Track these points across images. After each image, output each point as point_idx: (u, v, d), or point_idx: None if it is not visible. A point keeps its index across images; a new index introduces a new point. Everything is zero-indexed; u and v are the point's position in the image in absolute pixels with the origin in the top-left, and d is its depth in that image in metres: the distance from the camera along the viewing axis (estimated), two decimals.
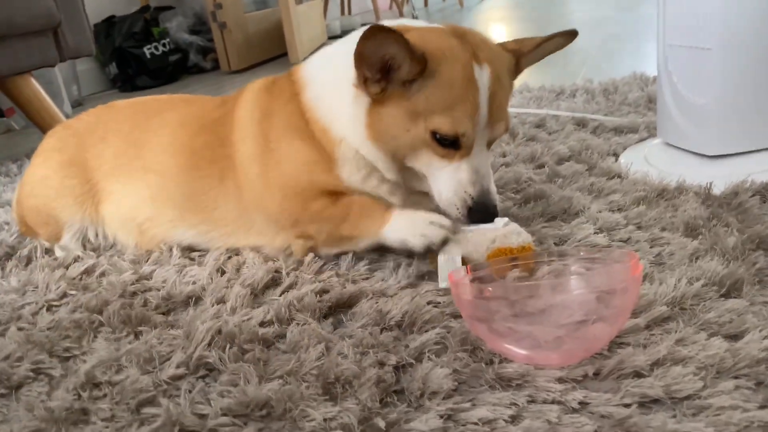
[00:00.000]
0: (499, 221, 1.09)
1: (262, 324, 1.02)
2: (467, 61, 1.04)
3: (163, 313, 1.11)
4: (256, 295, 1.13)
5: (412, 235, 1.08)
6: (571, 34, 1.14)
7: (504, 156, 1.67)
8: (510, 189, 1.44)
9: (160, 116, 1.36)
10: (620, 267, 0.84)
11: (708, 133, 1.34)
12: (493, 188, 1.11)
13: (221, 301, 1.11)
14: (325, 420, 0.78)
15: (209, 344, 0.96)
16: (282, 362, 0.90)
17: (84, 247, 1.44)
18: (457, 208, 1.09)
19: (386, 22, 1.11)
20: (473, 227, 1.08)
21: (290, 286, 1.14)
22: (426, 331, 0.94)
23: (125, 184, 1.36)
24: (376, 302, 1.03)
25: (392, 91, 1.06)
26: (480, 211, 1.07)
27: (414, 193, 1.20)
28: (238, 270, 1.23)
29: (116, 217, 1.39)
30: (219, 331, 0.99)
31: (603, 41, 3.26)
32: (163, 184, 1.31)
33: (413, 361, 0.87)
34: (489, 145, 1.11)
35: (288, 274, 1.18)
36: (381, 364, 0.87)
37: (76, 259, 1.37)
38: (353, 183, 1.18)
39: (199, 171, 1.28)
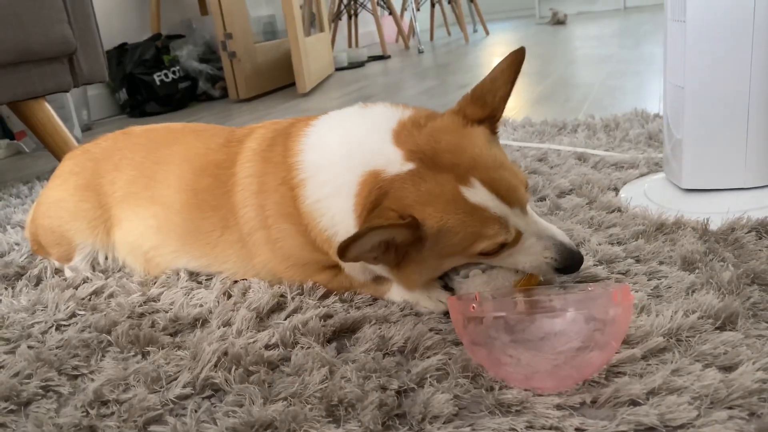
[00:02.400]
0: None
1: (267, 347, 1.04)
2: (456, 195, 0.96)
3: (171, 335, 1.13)
4: (262, 318, 1.16)
5: (414, 302, 1.13)
6: (519, 54, 1.06)
7: None
8: None
9: (170, 149, 1.40)
10: (612, 295, 0.87)
11: (681, 166, 1.39)
12: (566, 239, 1.03)
13: (227, 323, 1.14)
14: None
15: (215, 365, 0.99)
16: (286, 384, 0.92)
17: (93, 269, 1.47)
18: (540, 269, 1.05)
19: (359, 146, 1.07)
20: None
21: (295, 311, 1.17)
22: (428, 357, 0.96)
23: (135, 212, 1.40)
24: (379, 328, 1.06)
25: (407, 255, 1.01)
26: (568, 268, 1.03)
27: None
28: (244, 294, 1.26)
29: (125, 243, 1.42)
30: (225, 353, 1.01)
31: (606, 78, 3.32)
32: (168, 217, 1.34)
33: (415, 386, 0.90)
34: (524, 209, 1.02)
35: (293, 298, 1.20)
36: (383, 388, 0.89)
37: (86, 280, 1.40)
38: (352, 274, 1.19)
39: (201, 212, 1.30)
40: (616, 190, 1.61)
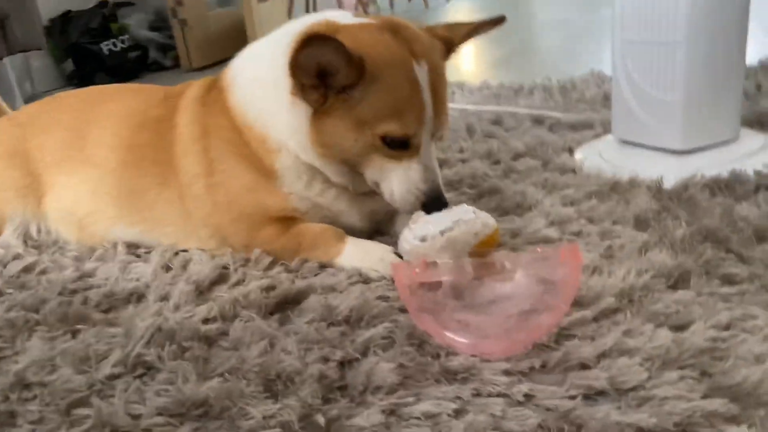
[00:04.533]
0: (462, 209, 1.07)
1: (205, 321, 0.98)
2: (406, 60, 1.02)
3: (104, 311, 1.07)
4: (202, 291, 1.10)
5: (365, 267, 1.08)
6: (499, 20, 1.16)
7: (461, 152, 1.66)
8: (466, 184, 1.42)
9: (105, 107, 1.32)
10: (560, 255, 0.83)
11: (675, 128, 1.33)
12: (441, 182, 1.10)
13: (164, 298, 1.08)
14: (264, 418, 0.75)
15: (148, 342, 0.93)
16: (223, 360, 0.87)
17: (26, 243, 1.38)
18: (411, 204, 1.08)
19: (313, 17, 1.09)
20: (448, 224, 1.04)
21: (237, 283, 1.11)
22: (374, 326, 0.91)
23: (67, 176, 1.31)
24: (325, 298, 1.01)
25: (334, 100, 1.03)
26: (433, 206, 1.07)
27: (361, 195, 1.17)
28: (184, 267, 1.19)
29: (57, 210, 1.34)
30: (159, 329, 0.95)
31: (563, 41, 3.29)
32: (103, 179, 1.27)
33: (359, 357, 0.85)
34: (435, 139, 1.10)
35: (236, 270, 1.14)
36: (325, 359, 0.84)
37: (16, 257, 1.31)
38: (296, 192, 1.15)
39: (139, 169, 1.24)
40: (571, 151, 1.57)
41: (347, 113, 1.03)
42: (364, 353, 0.86)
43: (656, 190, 1.24)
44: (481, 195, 1.35)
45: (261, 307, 1.00)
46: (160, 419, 0.77)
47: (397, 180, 1.07)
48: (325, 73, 1.00)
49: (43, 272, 1.23)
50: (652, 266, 0.97)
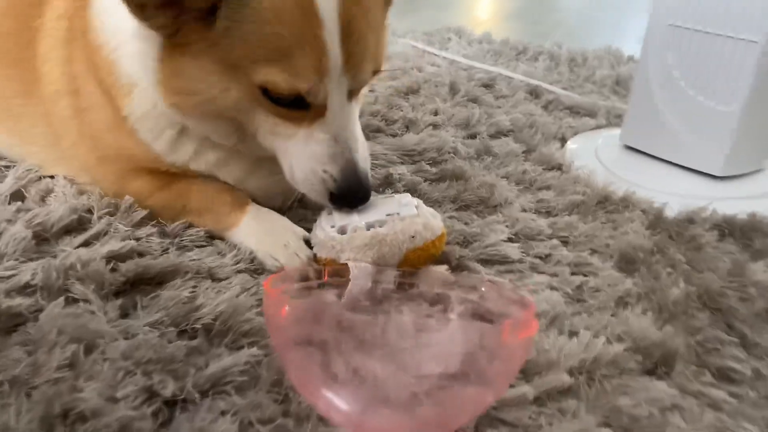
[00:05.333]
0: (407, 200, 0.81)
1: (22, 289, 0.72)
2: None
3: None
4: (47, 240, 0.83)
5: (263, 251, 0.81)
6: None
7: (435, 114, 1.37)
8: (427, 159, 1.15)
9: None
10: (504, 327, 0.58)
11: (718, 147, 1.05)
12: (362, 160, 0.78)
13: None
14: None
15: None
16: (7, 365, 0.61)
17: None
18: (315, 188, 0.79)
19: None
20: (379, 216, 0.78)
21: (95, 237, 0.84)
22: (237, 349, 0.66)
23: None
24: (194, 287, 0.75)
25: (189, 30, 0.71)
26: (345, 197, 0.77)
27: (261, 160, 0.87)
28: (43, 198, 0.92)
29: None
30: None
31: (585, 6, 2.95)
32: None
33: (197, 398, 0.60)
34: (353, 95, 0.78)
35: (100, 218, 0.87)
36: (146, 397, 0.59)
37: None
38: (160, 152, 0.86)
39: (2, 68, 0.94)
40: (563, 140, 1.31)
41: (209, 49, 0.71)
42: (206, 392, 0.61)
43: (655, 217, 0.98)
44: (441, 178, 1.09)
45: (102, 284, 0.74)
46: None
47: (296, 151, 0.77)
48: None
49: None
50: (628, 333, 0.72)
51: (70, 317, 0.67)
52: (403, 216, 0.78)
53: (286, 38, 0.68)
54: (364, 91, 0.85)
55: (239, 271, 0.80)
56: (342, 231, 0.78)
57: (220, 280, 0.78)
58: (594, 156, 1.21)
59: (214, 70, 0.72)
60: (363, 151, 0.79)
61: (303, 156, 0.76)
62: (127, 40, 0.80)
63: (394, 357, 0.62)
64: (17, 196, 0.92)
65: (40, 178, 0.97)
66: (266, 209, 0.87)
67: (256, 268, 0.81)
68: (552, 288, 0.82)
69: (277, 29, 0.68)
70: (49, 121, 0.93)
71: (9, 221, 0.85)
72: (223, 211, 0.84)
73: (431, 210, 0.82)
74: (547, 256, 0.89)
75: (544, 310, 0.76)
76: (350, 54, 0.71)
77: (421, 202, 0.83)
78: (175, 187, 0.86)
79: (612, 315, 0.76)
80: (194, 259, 0.80)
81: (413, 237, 0.77)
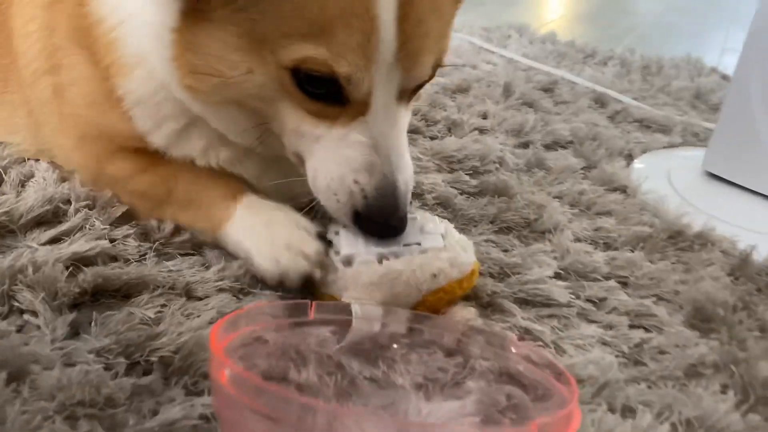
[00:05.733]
0: (432, 225, 0.66)
1: None
2: None
3: None
4: (13, 232, 0.72)
5: (260, 253, 0.66)
6: None
7: (483, 117, 1.21)
8: (467, 168, 1.00)
9: None
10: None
11: None
12: (404, 182, 0.63)
13: None
14: None
15: None
16: None
17: None
18: (338, 200, 0.63)
19: None
20: (395, 246, 0.63)
21: (70, 231, 0.72)
22: (197, 394, 0.53)
23: None
24: (162, 306, 0.62)
25: None
26: (373, 221, 0.62)
27: (280, 157, 0.71)
28: (21, 184, 0.81)
29: None
30: None
31: (663, 11, 2.72)
32: None
33: None
34: (405, 97, 0.64)
35: (77, 211, 0.75)
36: None
37: None
38: (159, 145, 0.73)
39: None
40: (630, 158, 1.13)
41: (233, 17, 0.58)
42: None
43: (739, 262, 0.80)
44: (481, 192, 0.93)
45: (55, 294, 0.61)
46: None
47: (324, 154, 0.63)
48: None
49: None
50: (701, 419, 0.56)
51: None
52: (425, 248, 0.63)
53: (328, 8, 0.55)
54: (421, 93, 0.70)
55: (221, 290, 0.66)
56: (347, 261, 0.63)
57: (198, 299, 0.65)
58: (666, 179, 1.03)
59: (238, 45, 0.59)
60: (406, 172, 0.64)
61: (332, 159, 0.62)
62: (135, 11, 0.68)
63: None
64: None
65: (25, 160, 0.86)
66: (264, 198, 0.72)
67: (241, 288, 0.67)
68: (604, 343, 0.66)
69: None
70: (29, 109, 0.82)
71: None
72: (213, 202, 0.71)
73: (462, 239, 0.67)
74: (602, 300, 0.73)
75: (592, 375, 0.60)
76: (408, 38, 0.58)
77: (450, 226, 0.68)
78: (161, 170, 0.73)
79: (680, 389, 0.60)
80: (171, 270, 0.67)
81: (435, 276, 0.62)
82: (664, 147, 1.19)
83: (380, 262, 0.62)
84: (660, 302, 0.74)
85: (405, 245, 0.63)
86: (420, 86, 0.65)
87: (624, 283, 0.77)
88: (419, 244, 0.63)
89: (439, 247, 0.63)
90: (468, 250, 0.66)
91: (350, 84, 0.58)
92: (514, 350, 0.55)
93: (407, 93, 0.63)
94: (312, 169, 0.64)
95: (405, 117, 0.65)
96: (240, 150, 0.72)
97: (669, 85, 1.55)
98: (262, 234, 0.67)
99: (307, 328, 0.58)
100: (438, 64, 0.63)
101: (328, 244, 0.66)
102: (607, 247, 0.84)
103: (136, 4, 0.68)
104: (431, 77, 0.65)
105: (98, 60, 0.72)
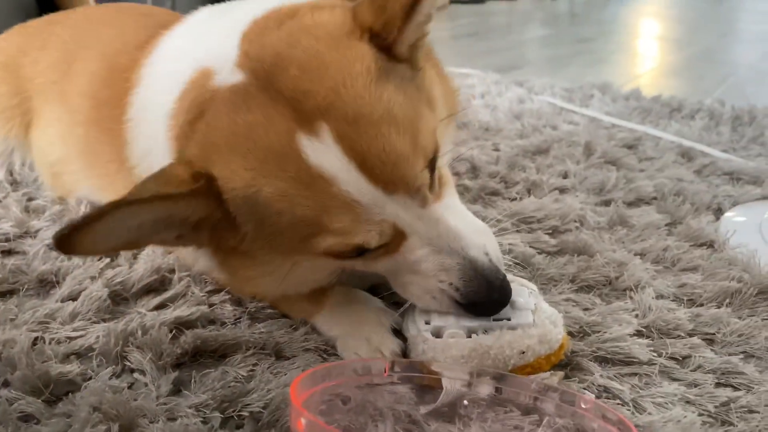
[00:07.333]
0: (523, 300, 0.68)
1: (84, 353, 0.69)
2: (285, 144, 0.59)
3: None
4: (126, 299, 0.80)
5: (344, 344, 0.71)
6: None
7: (564, 177, 1.23)
8: (546, 228, 1.01)
9: (99, 30, 1.04)
10: None
11: None
12: (482, 250, 0.65)
13: (71, 297, 0.79)
14: None
15: None
16: None
17: (11, 174, 1.16)
18: (434, 298, 0.66)
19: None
20: (485, 321, 0.66)
21: (174, 298, 0.80)
22: None
23: (50, 107, 1.06)
24: (254, 365, 0.67)
25: (227, 236, 0.65)
26: (476, 306, 0.65)
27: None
28: (135, 256, 0.90)
29: (37, 147, 1.10)
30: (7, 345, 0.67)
31: (760, 59, 2.64)
32: (71, 128, 0.98)
33: None
34: (423, 192, 0.63)
35: (180, 279, 0.83)
36: None
37: None
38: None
39: (100, 133, 0.93)
40: (719, 211, 1.10)
41: (257, 245, 0.65)
42: None
43: None
44: (561, 251, 0.94)
45: (161, 354, 0.68)
46: None
47: (401, 277, 0.68)
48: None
49: None
50: None
51: (111, 391, 0.62)
52: (514, 324, 0.65)
53: (307, 214, 0.59)
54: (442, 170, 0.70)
55: (307, 350, 0.71)
56: (437, 332, 0.66)
57: (286, 358, 0.70)
58: (758, 232, 1.00)
59: (269, 261, 0.68)
60: (477, 244, 0.65)
61: (411, 278, 0.66)
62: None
63: None
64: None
65: None
66: (354, 291, 0.77)
67: (326, 348, 0.71)
68: (687, 402, 0.65)
69: (296, 211, 0.59)
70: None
71: (92, 278, 0.83)
72: (302, 297, 0.77)
73: (553, 313, 0.68)
74: (685, 358, 0.72)
75: None
76: (381, 172, 0.59)
77: (540, 298, 0.70)
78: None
79: None
80: (263, 332, 0.73)
81: (524, 353, 0.64)
82: (757, 199, 1.15)
83: (469, 335, 0.65)
84: (749, 359, 0.71)
85: (495, 320, 0.65)
86: (432, 162, 0.64)
87: (710, 340, 0.75)
88: (509, 319, 0.65)
89: (529, 323, 0.65)
90: (558, 325, 0.67)
91: (373, 241, 0.61)
92: (583, 406, 0.55)
93: (422, 189, 0.63)
94: (398, 285, 0.69)
95: (442, 206, 0.65)
96: None
97: (761, 136, 1.49)
98: (347, 326, 0.72)
99: (385, 386, 0.61)
100: (429, 157, 0.64)
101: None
102: (692, 303, 0.82)
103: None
104: (433, 162, 0.65)
105: None
